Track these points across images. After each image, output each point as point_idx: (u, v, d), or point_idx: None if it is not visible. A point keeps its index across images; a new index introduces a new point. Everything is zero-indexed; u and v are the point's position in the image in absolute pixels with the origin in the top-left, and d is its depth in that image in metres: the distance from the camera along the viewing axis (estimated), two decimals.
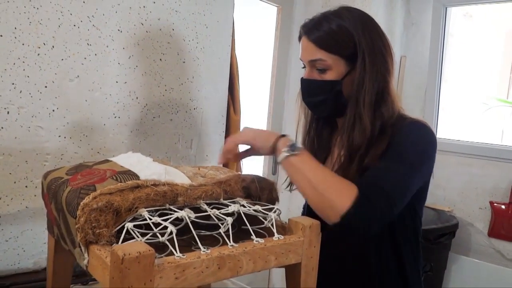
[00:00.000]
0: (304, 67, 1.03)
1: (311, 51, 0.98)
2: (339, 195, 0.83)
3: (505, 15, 2.66)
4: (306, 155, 0.88)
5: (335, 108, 1.01)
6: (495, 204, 2.28)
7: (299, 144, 0.89)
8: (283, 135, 0.91)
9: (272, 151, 0.90)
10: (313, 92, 1.01)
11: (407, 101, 2.57)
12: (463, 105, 2.73)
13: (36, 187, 1.25)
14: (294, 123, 1.14)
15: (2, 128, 1.19)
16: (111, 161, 0.84)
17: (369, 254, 1.00)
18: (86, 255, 0.67)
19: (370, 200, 0.83)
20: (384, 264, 1.00)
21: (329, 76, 0.97)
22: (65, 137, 1.31)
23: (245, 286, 1.14)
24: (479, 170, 2.36)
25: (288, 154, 0.86)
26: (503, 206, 2.26)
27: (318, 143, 1.10)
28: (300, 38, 1.03)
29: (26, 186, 1.24)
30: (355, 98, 0.96)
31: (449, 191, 2.44)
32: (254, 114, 2.47)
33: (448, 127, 2.62)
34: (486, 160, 2.35)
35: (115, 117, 1.44)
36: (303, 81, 1.03)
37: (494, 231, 2.30)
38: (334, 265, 1.05)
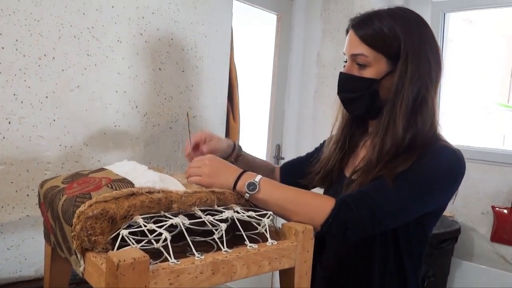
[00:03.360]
0: (346, 61, 1.01)
1: (355, 45, 0.96)
2: (317, 209, 0.86)
3: (506, 20, 2.66)
4: (267, 186, 0.87)
5: (369, 109, 0.99)
6: (497, 208, 2.27)
7: (256, 178, 0.87)
8: (239, 177, 0.88)
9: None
10: (349, 87, 0.99)
11: None
12: (464, 110, 2.73)
13: (37, 196, 1.26)
14: (331, 120, 1.13)
15: (3, 138, 1.21)
16: (106, 169, 0.85)
17: (373, 265, 0.99)
18: (82, 262, 0.68)
19: (349, 207, 0.84)
20: (388, 279, 0.99)
21: (368, 73, 0.95)
22: (65, 146, 1.33)
23: None
24: (480, 174, 2.34)
25: (249, 195, 0.86)
26: (505, 211, 2.25)
27: (349, 144, 1.09)
28: (347, 32, 1.00)
29: (27, 195, 1.26)
30: (392, 101, 0.93)
31: None
32: (255, 122, 2.48)
33: (449, 132, 2.61)
34: (488, 164, 2.33)
35: (115, 126, 1.46)
36: (341, 75, 1.00)
37: (497, 236, 2.29)
38: (336, 274, 1.06)
